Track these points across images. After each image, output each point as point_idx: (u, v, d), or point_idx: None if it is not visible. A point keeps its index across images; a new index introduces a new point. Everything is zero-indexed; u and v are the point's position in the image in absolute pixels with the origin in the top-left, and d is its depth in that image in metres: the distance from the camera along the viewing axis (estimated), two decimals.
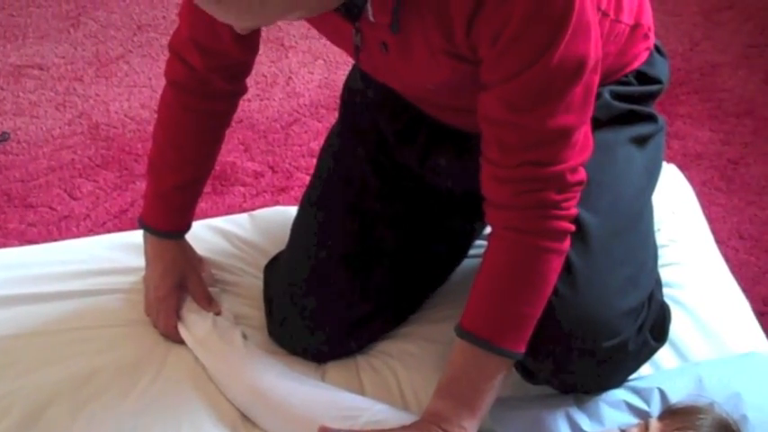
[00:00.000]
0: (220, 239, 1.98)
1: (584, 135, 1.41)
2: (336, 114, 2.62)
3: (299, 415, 1.60)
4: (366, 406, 1.59)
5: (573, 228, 1.44)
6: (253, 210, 2.14)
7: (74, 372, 1.70)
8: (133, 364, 1.74)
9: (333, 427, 1.47)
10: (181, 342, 1.77)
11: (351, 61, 1.63)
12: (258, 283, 1.88)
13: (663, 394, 1.57)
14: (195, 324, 1.75)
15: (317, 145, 2.58)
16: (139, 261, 1.87)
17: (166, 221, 1.77)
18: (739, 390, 1.53)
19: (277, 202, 2.36)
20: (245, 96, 1.76)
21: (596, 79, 1.39)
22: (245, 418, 1.67)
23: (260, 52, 1.68)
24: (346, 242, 1.77)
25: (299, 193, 2.44)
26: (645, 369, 1.73)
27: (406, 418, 1.53)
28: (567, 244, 1.45)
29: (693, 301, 1.84)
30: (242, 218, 2.06)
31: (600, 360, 1.52)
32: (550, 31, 1.28)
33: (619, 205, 1.57)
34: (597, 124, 1.52)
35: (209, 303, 1.79)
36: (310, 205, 1.85)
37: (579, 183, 1.43)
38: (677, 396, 1.55)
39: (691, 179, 2.11)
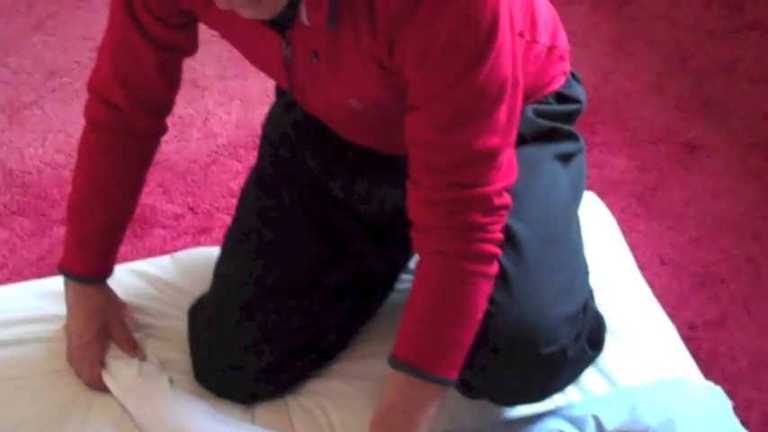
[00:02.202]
0: (142, 283, 1.94)
1: (508, 159, 1.43)
2: (255, 154, 2.68)
3: None
4: None
5: (499, 252, 1.46)
6: (174, 252, 2.12)
7: None
8: (57, 415, 1.70)
9: None
10: (105, 390, 1.73)
11: (268, 101, 1.62)
12: (183, 326, 1.85)
13: (598, 421, 1.58)
14: (120, 371, 1.72)
15: (236, 185, 2.57)
16: (62, 308, 1.82)
17: (89, 267, 1.74)
18: (672, 416, 1.55)
19: (198, 244, 2.33)
20: (163, 138, 1.74)
21: (519, 100, 1.42)
22: None
23: None
24: (271, 282, 1.76)
25: (220, 233, 2.42)
26: (574, 394, 1.75)
27: None
28: (494, 268, 1.46)
29: (619, 327, 1.85)
30: (164, 260, 2.03)
31: (540, 368, 1.52)
32: (477, 51, 1.30)
33: (548, 217, 1.59)
34: (522, 140, 1.54)
35: (133, 349, 1.76)
36: (233, 246, 1.82)
37: (505, 207, 1.44)
38: (612, 423, 1.56)
39: (610, 206, 2.13)
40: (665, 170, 2.70)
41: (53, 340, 1.81)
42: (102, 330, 1.74)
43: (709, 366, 1.92)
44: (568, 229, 1.65)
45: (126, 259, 2.09)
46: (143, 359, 1.75)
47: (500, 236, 1.45)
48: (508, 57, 1.34)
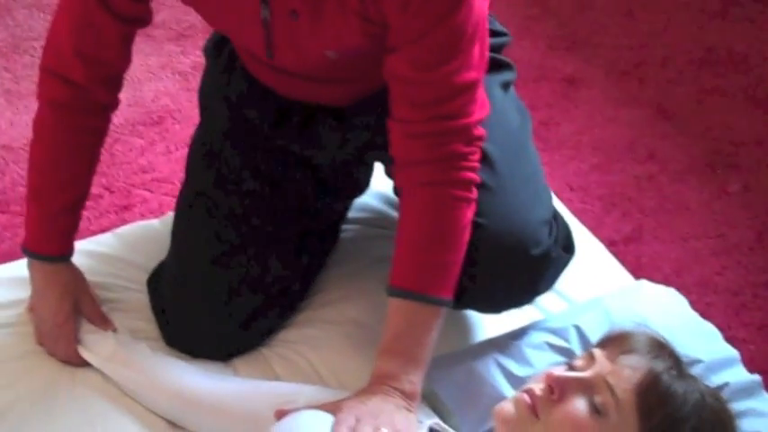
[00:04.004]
0: (91, 261, 1.93)
1: (481, 93, 1.53)
2: (155, 129, 2.67)
3: (235, 411, 1.60)
4: (297, 390, 1.60)
5: (479, 179, 1.55)
6: (102, 231, 2.12)
7: None
8: (42, 393, 1.70)
9: (291, 408, 1.48)
10: (83, 365, 1.73)
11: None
12: (140, 296, 1.87)
13: (579, 330, 1.66)
14: (98, 344, 1.73)
15: (145, 160, 2.57)
16: (18, 293, 1.83)
17: (56, 246, 1.73)
18: (644, 316, 1.63)
19: (123, 220, 2.32)
20: None
21: (488, 37, 1.52)
22: (172, 425, 1.66)
23: None
24: (229, 239, 1.80)
25: (142, 208, 2.42)
26: (534, 314, 1.84)
27: (339, 395, 1.54)
28: (475, 194, 1.55)
29: None
30: (105, 237, 2.03)
31: (529, 269, 1.63)
32: None
33: (509, 137, 1.69)
34: None
35: (105, 322, 1.76)
36: (192, 209, 1.85)
37: (480, 138, 1.54)
38: (592, 330, 1.65)
39: None
40: (553, 105, 2.82)
41: (18, 324, 1.80)
42: (74, 307, 1.74)
43: (638, 277, 2.03)
44: (526, 145, 1.76)
45: None
46: (114, 331, 1.76)
47: (478, 164, 1.54)
48: None
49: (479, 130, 1.53)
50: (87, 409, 1.66)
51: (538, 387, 1.37)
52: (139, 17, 1.62)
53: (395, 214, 2.09)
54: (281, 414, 1.47)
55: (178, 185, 2.48)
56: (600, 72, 2.97)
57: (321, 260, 1.94)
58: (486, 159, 1.59)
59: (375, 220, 2.10)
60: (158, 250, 1.94)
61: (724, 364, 1.63)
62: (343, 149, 1.82)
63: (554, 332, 1.67)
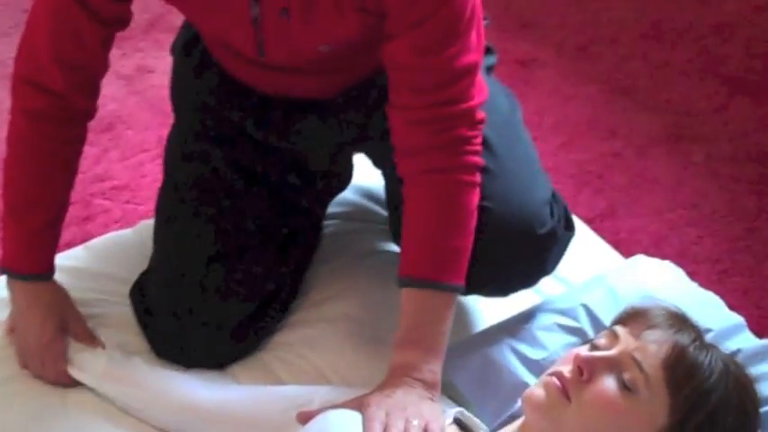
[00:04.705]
0: (64, 276, 1.83)
1: (479, 77, 1.52)
2: (107, 136, 2.58)
3: (246, 420, 1.55)
4: (310, 392, 1.56)
5: (482, 162, 1.52)
6: (67, 245, 2.03)
7: None
8: (34, 419, 1.62)
9: (311, 409, 1.43)
10: (72, 385, 1.66)
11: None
12: (123, 309, 1.81)
13: (587, 309, 1.64)
14: (89, 362, 1.66)
15: (101, 169, 2.49)
16: None
17: (39, 264, 1.67)
18: (649, 290, 1.63)
19: (87, 232, 2.24)
20: None
21: (482, 19, 1.52)
22: None
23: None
24: (216, 244, 1.74)
25: (104, 218, 2.35)
26: (532, 297, 1.81)
27: (353, 393, 1.50)
28: (479, 178, 1.53)
29: None
30: (76, 252, 1.96)
31: (537, 249, 1.62)
32: None
33: (503, 120, 1.68)
34: None
35: (92, 340, 1.70)
36: (170, 216, 1.80)
37: (482, 121, 1.52)
38: (600, 308, 1.63)
39: None
40: (510, 87, 2.79)
41: None
42: (60, 326, 1.67)
43: (620, 252, 2.03)
44: (519, 128, 1.75)
45: None
46: (103, 348, 1.69)
47: (480, 148, 1.52)
48: None
49: (480, 114, 1.51)
50: None
51: (566, 369, 1.35)
52: (120, 18, 1.57)
53: (374, 207, 2.08)
54: (304, 417, 1.43)
55: (138, 192, 2.45)
56: (551, 52, 2.96)
57: (308, 258, 1.89)
58: (485, 143, 1.57)
59: (354, 214, 2.06)
60: (135, 261, 1.88)
61: (732, 331, 1.62)
62: (328, 142, 1.78)
63: (563, 313, 1.65)
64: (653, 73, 2.89)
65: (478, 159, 1.51)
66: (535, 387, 1.37)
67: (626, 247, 2.20)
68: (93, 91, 1.64)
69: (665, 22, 3.09)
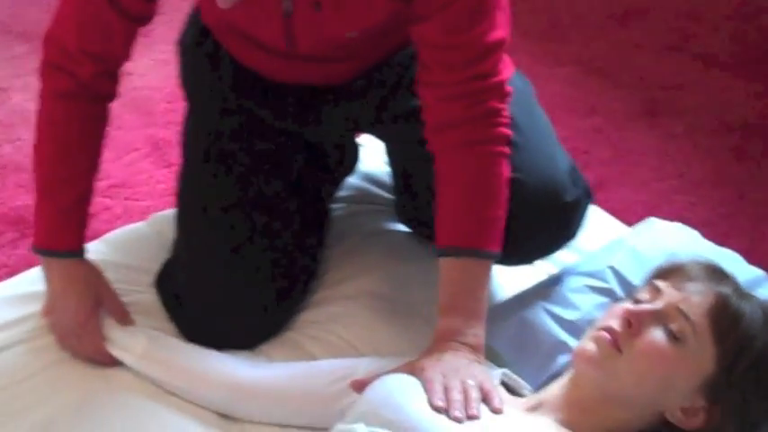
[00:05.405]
0: None
1: (505, 54, 1.58)
2: None
3: (294, 394, 1.59)
4: (352, 363, 1.59)
5: (511, 134, 1.57)
6: None
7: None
8: (82, 403, 1.64)
9: (364, 378, 1.47)
10: (112, 364, 1.69)
11: None
12: (146, 297, 1.83)
13: (614, 270, 1.70)
14: (128, 341, 1.68)
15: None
16: (20, 311, 1.77)
17: (73, 240, 1.71)
18: (669, 249, 1.68)
19: (94, 230, 2.20)
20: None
21: None
22: (224, 416, 1.63)
23: None
24: (244, 227, 1.78)
25: (108, 215, 2.36)
26: (548, 267, 1.87)
27: (395, 362, 1.53)
28: (509, 149, 1.58)
29: None
30: (93, 244, 1.95)
31: (565, 215, 1.69)
32: None
33: (519, 95, 1.70)
34: None
35: (127, 316, 1.74)
36: (194, 204, 1.82)
37: (509, 94, 1.58)
38: (626, 269, 1.69)
39: None
40: None
41: (29, 340, 1.74)
42: (96, 303, 1.70)
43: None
44: (534, 102, 1.80)
45: (28, 262, 2.00)
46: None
47: (509, 120, 1.58)
48: None
49: (509, 87, 1.57)
50: (137, 414, 1.62)
51: (615, 323, 1.40)
52: (146, 15, 1.64)
53: (377, 191, 2.12)
54: (359, 384, 1.46)
55: (136, 189, 2.46)
56: (518, 37, 3.00)
57: (322, 240, 1.93)
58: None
59: (358, 197, 2.11)
60: (153, 251, 1.91)
61: (756, 283, 1.68)
62: (344, 126, 1.84)
63: (591, 275, 1.70)
64: (620, 52, 2.98)
65: (508, 131, 1.56)
66: (585, 342, 1.42)
67: (621, 217, 2.26)
68: (116, 78, 1.71)
69: (632, 3, 3.17)
